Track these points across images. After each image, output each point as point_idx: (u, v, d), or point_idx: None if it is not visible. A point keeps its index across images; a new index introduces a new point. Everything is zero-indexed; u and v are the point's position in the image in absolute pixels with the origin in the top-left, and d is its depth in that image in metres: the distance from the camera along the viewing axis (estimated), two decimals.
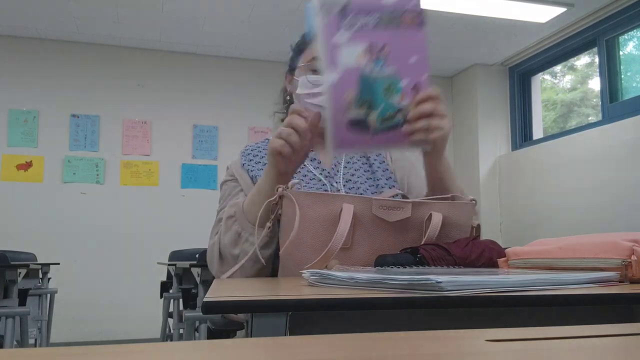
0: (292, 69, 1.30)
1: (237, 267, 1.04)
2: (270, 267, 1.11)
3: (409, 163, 1.33)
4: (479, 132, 5.25)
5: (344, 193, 1.18)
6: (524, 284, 0.68)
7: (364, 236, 0.98)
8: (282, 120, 1.37)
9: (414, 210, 0.98)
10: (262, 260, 1.03)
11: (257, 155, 1.28)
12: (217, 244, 1.12)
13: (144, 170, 4.89)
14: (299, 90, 1.22)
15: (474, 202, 1.06)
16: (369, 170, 1.27)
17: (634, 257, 0.77)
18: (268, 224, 1.03)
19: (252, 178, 1.21)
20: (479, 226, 1.06)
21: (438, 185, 1.10)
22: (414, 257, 0.89)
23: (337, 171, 1.25)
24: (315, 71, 1.21)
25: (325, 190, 1.19)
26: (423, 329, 0.44)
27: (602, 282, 0.76)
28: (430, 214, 0.99)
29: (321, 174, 1.23)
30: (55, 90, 4.77)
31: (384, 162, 1.29)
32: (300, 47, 1.29)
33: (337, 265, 0.91)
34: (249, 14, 4.25)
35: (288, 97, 1.33)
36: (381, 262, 0.90)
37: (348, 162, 1.27)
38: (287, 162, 1.02)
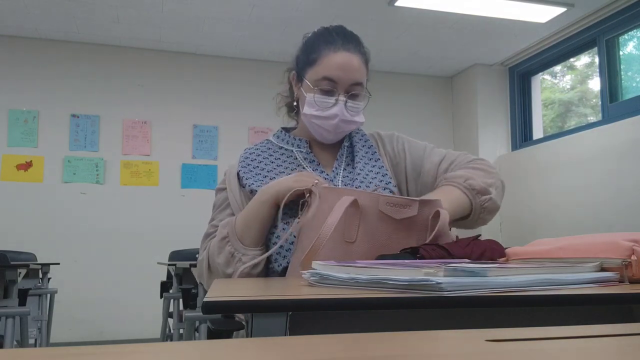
0: (299, 76, 1.28)
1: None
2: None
3: (401, 148, 1.33)
4: (479, 132, 5.25)
5: None
6: (524, 284, 0.68)
7: (368, 232, 0.99)
8: (287, 104, 1.37)
9: (421, 209, 1.00)
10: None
11: (255, 159, 1.27)
12: (205, 260, 1.17)
13: (144, 170, 4.89)
14: (305, 110, 1.24)
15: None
16: (353, 173, 1.27)
17: (634, 257, 0.77)
18: (260, 247, 1.12)
19: (249, 192, 1.20)
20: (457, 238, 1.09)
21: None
22: (414, 257, 0.90)
23: (337, 174, 1.26)
24: (323, 91, 1.22)
25: None
26: (423, 329, 0.44)
27: (602, 282, 0.76)
28: (437, 211, 0.99)
29: (320, 175, 1.24)
30: (55, 90, 4.76)
31: (378, 159, 1.28)
32: (311, 57, 1.24)
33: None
34: (249, 14, 4.25)
35: (295, 103, 1.33)
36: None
37: (348, 165, 1.28)
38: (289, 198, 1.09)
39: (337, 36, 1.24)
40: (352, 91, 1.22)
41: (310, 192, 1.06)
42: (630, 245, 0.78)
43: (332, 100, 1.21)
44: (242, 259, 1.11)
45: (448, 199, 1.12)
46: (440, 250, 0.90)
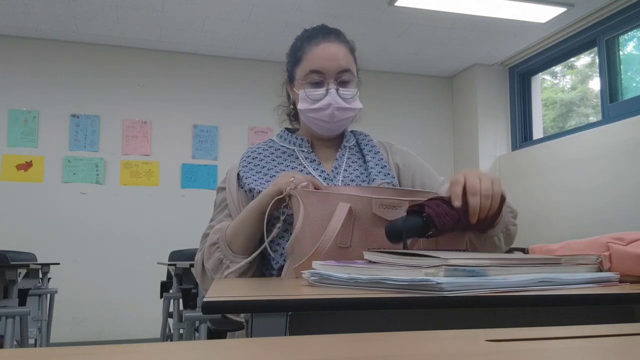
0: (290, 79, 1.32)
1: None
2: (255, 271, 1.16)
3: (414, 163, 1.35)
4: (479, 132, 5.25)
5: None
6: (524, 284, 0.68)
7: (362, 236, 0.98)
8: (288, 114, 1.39)
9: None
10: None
11: (256, 158, 1.27)
12: (200, 261, 1.18)
13: (144, 170, 4.89)
14: (300, 106, 1.27)
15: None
16: (364, 173, 1.28)
17: (605, 253, 0.81)
18: (248, 254, 1.11)
19: (248, 191, 1.21)
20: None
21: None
22: (421, 216, 0.89)
23: (337, 174, 1.26)
24: (312, 84, 1.24)
25: None
26: (423, 329, 0.44)
27: (602, 282, 0.76)
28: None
29: (320, 175, 1.24)
30: (55, 90, 4.76)
31: (385, 166, 1.29)
32: (296, 57, 1.29)
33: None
34: (249, 14, 4.25)
35: (292, 106, 1.35)
36: (392, 229, 0.90)
37: (349, 166, 1.28)
38: (276, 206, 1.08)
39: (318, 31, 1.28)
40: (341, 78, 1.24)
41: (290, 196, 1.05)
42: (606, 242, 0.83)
43: (322, 91, 1.24)
44: (230, 266, 1.11)
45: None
46: (444, 205, 0.91)
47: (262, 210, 1.09)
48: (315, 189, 1.06)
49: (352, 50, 1.30)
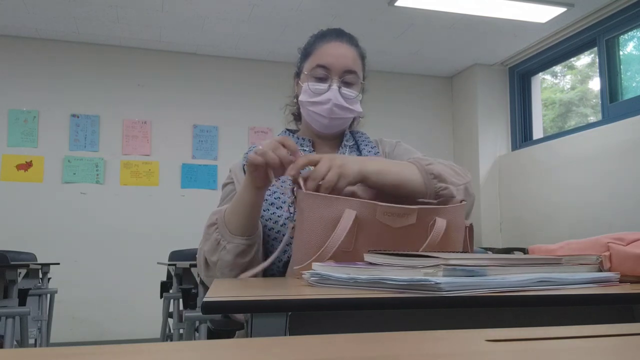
0: (298, 73, 1.34)
1: (218, 273, 1.10)
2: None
3: (401, 152, 1.36)
4: (479, 132, 5.25)
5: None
6: (524, 284, 0.69)
7: (366, 240, 0.97)
8: (293, 113, 1.41)
9: (419, 217, 0.97)
10: (237, 270, 1.07)
11: None
12: (202, 250, 1.15)
13: (144, 170, 4.89)
14: (301, 98, 1.29)
15: (464, 202, 1.07)
16: None
17: (605, 253, 0.81)
18: (246, 236, 1.07)
19: None
20: (471, 226, 1.09)
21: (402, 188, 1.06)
22: None
23: None
24: (317, 78, 1.26)
25: None
26: (423, 329, 0.44)
27: (602, 282, 0.76)
28: (435, 220, 0.97)
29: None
30: (55, 90, 4.76)
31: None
32: (307, 51, 1.32)
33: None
34: (249, 14, 4.25)
35: (295, 100, 1.37)
36: None
37: None
38: (262, 177, 1.03)
39: (332, 32, 1.32)
40: (345, 78, 1.26)
41: (294, 201, 1.02)
42: (606, 242, 0.83)
43: (325, 86, 1.25)
44: (227, 247, 1.07)
45: (400, 170, 1.06)
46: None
47: (255, 184, 1.05)
48: (287, 150, 1.01)
49: (362, 57, 1.32)
